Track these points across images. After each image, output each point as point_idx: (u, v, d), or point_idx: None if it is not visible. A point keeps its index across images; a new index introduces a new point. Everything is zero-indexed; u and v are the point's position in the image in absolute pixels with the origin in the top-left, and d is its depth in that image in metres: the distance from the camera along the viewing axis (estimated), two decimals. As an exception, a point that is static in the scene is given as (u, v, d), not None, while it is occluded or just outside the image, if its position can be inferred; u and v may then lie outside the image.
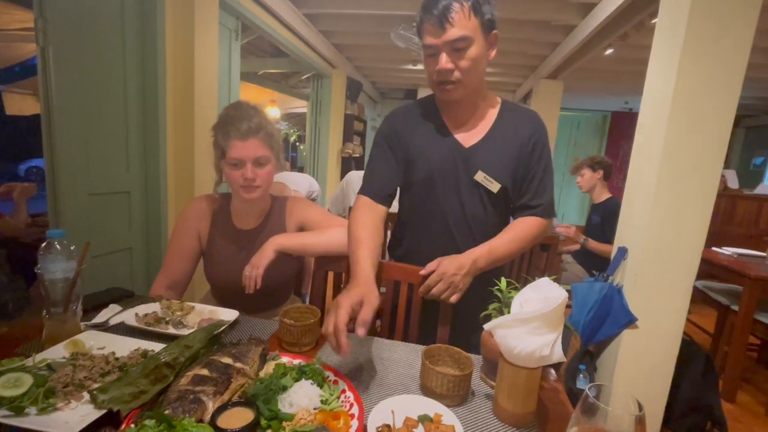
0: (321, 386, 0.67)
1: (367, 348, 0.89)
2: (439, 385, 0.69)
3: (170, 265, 1.18)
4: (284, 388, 0.65)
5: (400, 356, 0.86)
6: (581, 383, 1.56)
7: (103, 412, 0.58)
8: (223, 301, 1.19)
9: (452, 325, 1.06)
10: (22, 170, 10.50)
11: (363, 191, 1.07)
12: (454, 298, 0.94)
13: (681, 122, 1.36)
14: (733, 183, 4.47)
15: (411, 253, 1.12)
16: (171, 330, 0.88)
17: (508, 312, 0.70)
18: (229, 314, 0.96)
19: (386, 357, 0.86)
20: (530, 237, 1.04)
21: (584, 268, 2.64)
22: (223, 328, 0.86)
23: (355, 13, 3.33)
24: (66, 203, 1.68)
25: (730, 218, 4.13)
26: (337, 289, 1.25)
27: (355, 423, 0.60)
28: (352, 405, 0.64)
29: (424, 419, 0.63)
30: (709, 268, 2.33)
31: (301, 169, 5.91)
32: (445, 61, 0.91)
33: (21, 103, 3.68)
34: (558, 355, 0.63)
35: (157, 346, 0.77)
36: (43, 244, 0.78)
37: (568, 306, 0.66)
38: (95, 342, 0.79)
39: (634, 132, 1.57)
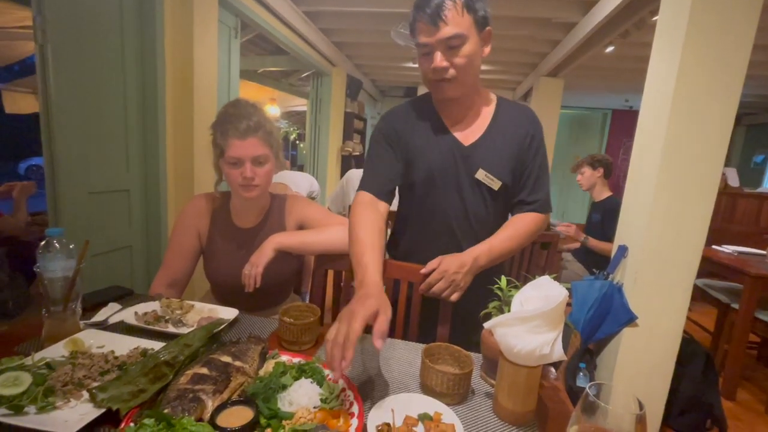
0: (321, 385, 0.67)
1: (367, 347, 0.89)
2: (439, 383, 0.69)
3: (170, 264, 1.18)
4: (284, 387, 0.65)
5: (400, 355, 0.86)
6: (581, 381, 1.56)
7: (103, 410, 0.58)
8: (223, 300, 1.19)
9: (452, 324, 1.06)
10: (22, 169, 10.50)
11: (364, 187, 1.04)
12: (454, 297, 0.94)
13: (682, 120, 1.36)
14: (734, 181, 4.46)
15: (412, 253, 1.11)
16: (170, 328, 0.88)
17: (508, 310, 0.70)
18: (228, 313, 0.96)
19: (386, 355, 0.86)
20: (529, 233, 1.04)
21: (584, 266, 2.64)
22: (222, 326, 0.86)
23: (355, 11, 3.32)
24: (66, 202, 1.68)
25: (731, 216, 4.13)
26: (337, 288, 1.25)
27: (354, 422, 0.60)
28: (351, 404, 0.64)
29: (424, 418, 0.63)
30: (709, 266, 2.33)
31: (301, 168, 5.90)
32: (439, 59, 0.91)
33: (20, 102, 3.68)
34: (558, 353, 0.62)
35: (156, 345, 0.77)
36: (43, 243, 0.78)
37: (568, 304, 0.66)
38: (95, 340, 0.79)
39: (634, 130, 1.57)
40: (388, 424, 0.60)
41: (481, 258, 0.96)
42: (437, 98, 1.05)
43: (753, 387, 2.29)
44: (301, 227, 1.24)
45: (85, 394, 0.62)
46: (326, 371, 0.71)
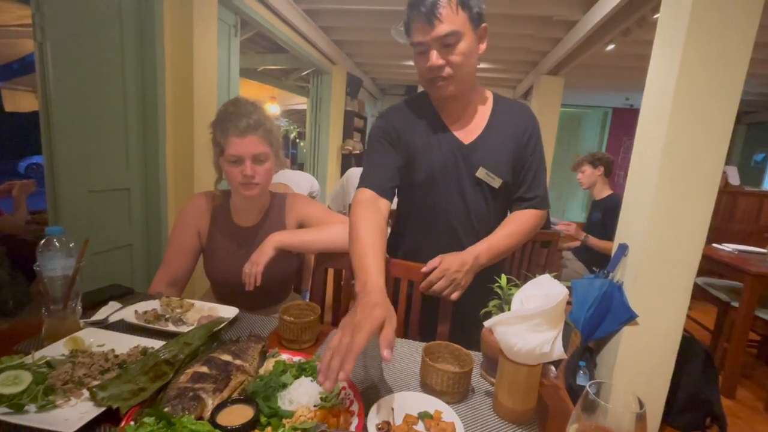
0: (321, 383, 0.67)
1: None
2: (439, 382, 0.69)
3: (170, 262, 1.18)
4: (284, 386, 0.65)
5: (400, 353, 0.86)
6: (581, 380, 1.56)
7: (103, 409, 0.58)
8: (223, 299, 1.19)
9: (452, 322, 1.06)
10: (22, 167, 10.50)
11: (364, 184, 1.01)
12: (455, 296, 0.94)
13: (682, 118, 1.36)
14: (734, 179, 4.45)
15: (414, 254, 1.10)
16: (170, 327, 0.88)
17: (509, 309, 0.70)
18: (228, 311, 0.96)
19: (386, 354, 0.86)
20: (528, 230, 1.05)
21: (585, 264, 2.64)
22: (222, 325, 0.86)
23: (355, 9, 3.31)
24: (66, 200, 1.68)
25: (731, 215, 4.12)
26: (338, 286, 1.25)
27: (355, 420, 0.60)
28: (351, 402, 0.64)
29: (424, 416, 0.63)
30: (709, 265, 2.33)
31: (301, 166, 5.90)
32: (435, 57, 0.90)
33: (20, 100, 3.68)
34: (558, 352, 0.62)
35: (156, 344, 0.77)
36: (42, 242, 0.78)
37: (568, 303, 0.66)
38: (95, 339, 0.79)
39: (635, 128, 1.56)
40: (388, 423, 0.60)
41: (482, 256, 0.96)
42: (435, 97, 1.04)
43: (753, 385, 2.29)
44: (301, 226, 1.24)
45: (86, 393, 0.62)
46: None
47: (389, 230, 1.22)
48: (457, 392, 0.70)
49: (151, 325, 0.87)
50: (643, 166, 1.50)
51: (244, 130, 1.06)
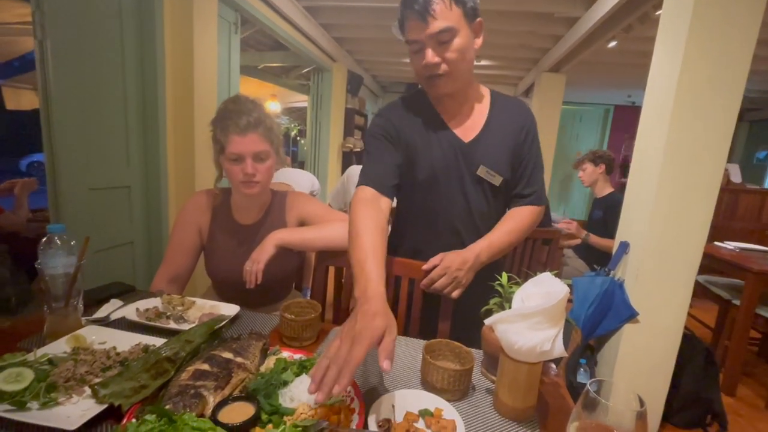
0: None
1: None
2: (440, 379, 0.70)
3: (171, 260, 1.18)
4: (285, 383, 0.65)
5: (401, 351, 0.86)
6: (582, 377, 1.56)
7: (105, 406, 0.58)
8: (224, 296, 1.20)
9: (453, 320, 1.06)
10: (23, 165, 10.51)
11: (364, 181, 0.98)
12: (455, 294, 0.94)
13: (684, 116, 1.35)
14: (736, 177, 4.44)
15: (415, 252, 1.10)
16: (172, 325, 0.88)
17: (509, 307, 0.70)
18: (229, 309, 0.96)
19: (387, 352, 0.86)
20: (526, 226, 1.05)
21: (586, 262, 2.64)
22: (223, 323, 0.86)
23: (356, 6, 3.30)
24: (66, 198, 1.68)
25: (733, 212, 4.11)
26: (338, 284, 1.25)
27: (355, 417, 0.60)
28: (352, 399, 0.64)
29: (424, 414, 0.64)
30: (710, 263, 2.32)
31: (301, 164, 5.89)
32: (431, 55, 0.90)
33: (21, 98, 3.68)
34: (559, 350, 0.62)
35: (158, 341, 0.77)
36: (44, 239, 0.78)
37: (569, 300, 0.66)
38: (96, 337, 0.79)
39: (636, 126, 1.56)
40: (388, 420, 0.60)
41: (483, 254, 0.96)
42: (432, 94, 1.03)
43: (753, 383, 2.29)
44: (302, 223, 1.24)
45: (87, 390, 0.62)
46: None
47: (389, 229, 1.21)
48: (458, 390, 0.70)
49: (152, 323, 0.88)
50: (644, 163, 1.49)
51: (245, 128, 1.06)
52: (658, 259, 1.43)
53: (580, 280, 1.64)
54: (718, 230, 3.58)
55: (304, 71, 5.32)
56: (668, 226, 1.41)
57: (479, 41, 0.96)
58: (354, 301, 0.74)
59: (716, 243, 2.53)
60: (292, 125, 8.70)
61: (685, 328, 1.54)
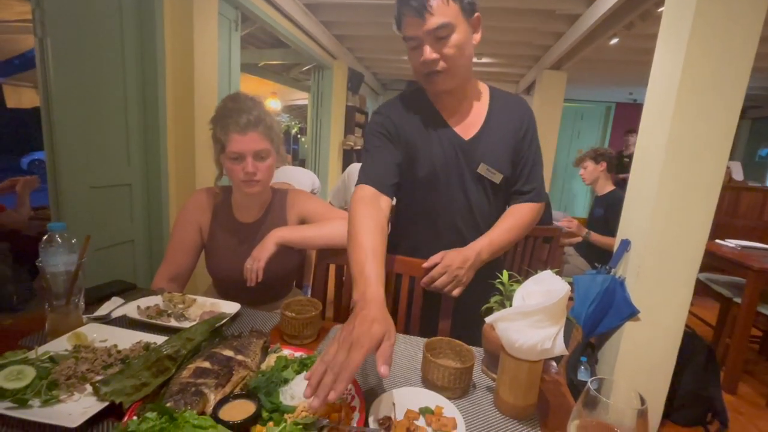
0: (322, 379, 0.67)
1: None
2: (441, 377, 0.70)
3: (172, 258, 1.18)
4: (286, 381, 0.65)
5: (402, 349, 0.86)
6: (582, 375, 1.56)
7: (106, 404, 0.58)
8: (225, 294, 1.20)
9: (454, 318, 1.06)
10: (24, 163, 10.52)
11: (364, 180, 0.97)
12: (456, 292, 0.94)
13: (687, 113, 1.34)
14: (738, 175, 4.42)
15: (416, 251, 1.09)
16: (173, 323, 0.88)
17: (510, 305, 0.70)
18: (230, 307, 0.96)
19: (388, 349, 0.86)
20: (526, 223, 1.05)
21: (586, 260, 2.64)
22: (224, 320, 0.87)
23: (356, 3, 3.29)
24: (67, 196, 1.68)
25: (734, 210, 4.10)
26: (339, 282, 1.25)
27: (356, 415, 0.60)
28: (353, 397, 0.64)
29: (425, 411, 0.64)
30: (712, 261, 2.32)
31: (302, 162, 5.89)
32: (428, 52, 0.89)
33: (22, 96, 3.68)
34: (560, 348, 0.62)
35: (159, 339, 0.77)
36: (45, 237, 0.78)
37: (569, 298, 0.65)
38: (97, 334, 0.79)
39: (638, 124, 1.55)
40: (389, 418, 0.60)
41: (484, 252, 0.96)
42: (430, 91, 1.03)
43: (754, 381, 2.29)
44: (302, 221, 1.24)
45: (89, 388, 0.62)
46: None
47: (389, 227, 1.21)
48: (458, 388, 0.70)
49: (153, 321, 0.88)
50: (646, 161, 1.49)
51: (245, 127, 1.06)
52: (659, 257, 1.43)
53: (580, 278, 1.64)
54: (720, 228, 3.57)
55: (304, 69, 5.31)
56: (669, 223, 1.41)
57: (478, 36, 0.95)
58: (354, 300, 0.74)
59: (717, 241, 2.52)
60: (293, 123, 8.70)
61: (686, 326, 1.53)
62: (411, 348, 0.87)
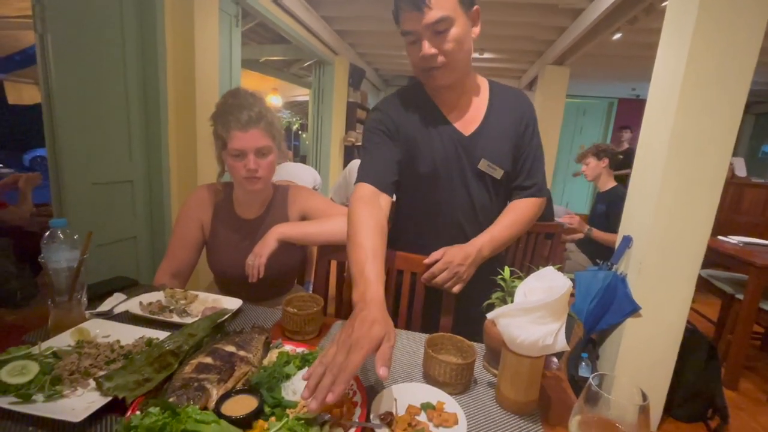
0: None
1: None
2: (442, 373, 0.70)
3: (173, 254, 1.19)
4: (287, 376, 0.65)
5: (403, 345, 0.87)
6: (583, 371, 1.57)
7: (109, 399, 0.59)
8: (227, 290, 1.20)
9: (455, 314, 1.06)
10: (26, 160, 10.54)
11: (363, 178, 0.96)
12: (456, 288, 0.94)
13: (690, 109, 1.34)
14: (741, 171, 4.40)
15: (417, 247, 1.08)
16: (175, 318, 0.89)
17: (511, 301, 0.70)
18: (232, 303, 0.96)
19: (389, 345, 0.86)
20: (528, 218, 1.04)
21: (588, 256, 2.64)
22: (226, 316, 0.87)
23: (358, -2, 3.27)
24: (69, 193, 1.68)
25: (737, 207, 4.08)
26: (340, 278, 1.25)
27: (358, 410, 0.60)
28: (355, 393, 0.64)
29: (426, 407, 0.64)
30: (714, 257, 2.31)
31: (303, 159, 5.89)
32: (427, 47, 0.87)
33: (23, 93, 3.68)
34: (561, 344, 0.62)
35: (161, 335, 0.77)
36: (47, 234, 0.78)
37: (571, 294, 0.65)
38: (100, 330, 0.80)
39: (641, 119, 1.54)
40: (390, 413, 0.61)
41: (485, 248, 0.95)
42: (429, 86, 1.02)
43: (755, 377, 2.29)
44: (303, 218, 1.24)
45: (92, 383, 0.63)
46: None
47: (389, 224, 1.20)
48: (460, 383, 0.70)
49: (155, 317, 0.88)
50: (648, 157, 1.48)
51: (246, 124, 1.05)
52: (661, 253, 1.43)
53: (582, 274, 1.64)
54: (723, 224, 3.56)
55: (305, 65, 5.29)
56: (672, 220, 1.40)
57: (477, 30, 0.93)
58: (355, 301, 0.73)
59: (720, 237, 2.51)
60: (294, 119, 8.68)
61: (688, 322, 1.53)
62: (412, 344, 0.87)
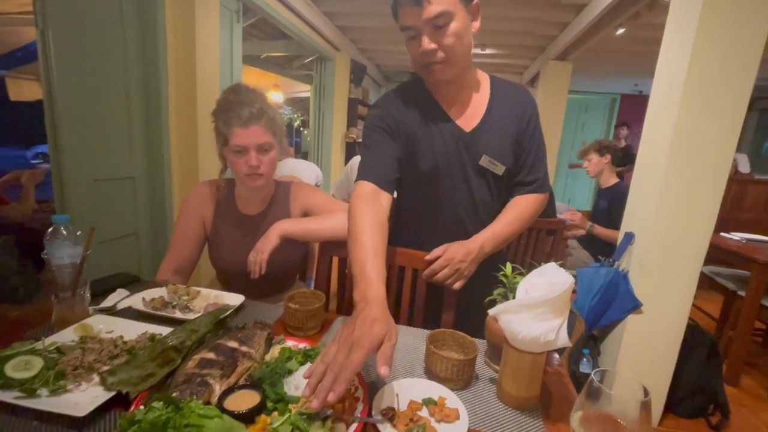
0: (326, 370, 0.67)
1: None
2: (444, 369, 0.70)
3: (175, 250, 1.19)
4: (290, 372, 0.66)
5: (405, 341, 0.87)
6: (585, 367, 1.57)
7: (113, 393, 0.59)
8: (229, 287, 1.20)
9: (457, 310, 1.06)
10: (29, 156, 10.56)
11: (364, 176, 0.95)
12: (457, 285, 0.94)
13: (693, 105, 1.33)
14: (744, 167, 4.37)
15: (418, 244, 1.08)
16: (177, 314, 0.89)
17: (513, 297, 0.70)
18: (234, 299, 0.97)
19: (391, 341, 0.86)
20: (530, 214, 1.03)
21: (590, 253, 2.63)
22: (228, 312, 0.87)
23: (359, -6, 3.25)
24: (71, 189, 1.69)
25: (740, 203, 4.06)
26: (342, 274, 1.26)
27: (360, 406, 0.60)
28: (357, 388, 0.65)
29: (428, 402, 0.64)
30: (716, 254, 2.30)
31: (305, 155, 5.88)
32: (427, 42, 0.87)
33: (24, 89, 3.67)
34: (563, 340, 0.62)
35: (164, 330, 0.78)
36: (50, 230, 0.78)
37: (573, 291, 0.65)
38: (103, 326, 0.80)
39: (643, 115, 1.53)
40: (392, 409, 0.61)
41: (487, 245, 0.95)
42: (429, 81, 1.01)
43: (757, 373, 2.30)
44: (305, 214, 1.24)
45: (96, 378, 0.63)
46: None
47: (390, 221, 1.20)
48: (462, 379, 0.71)
49: (158, 312, 0.88)
50: (651, 153, 1.47)
51: (247, 120, 1.05)
52: (664, 250, 1.42)
53: (584, 270, 1.64)
54: (725, 221, 3.54)
55: (306, 61, 5.27)
56: (674, 216, 1.40)
57: (477, 24, 0.92)
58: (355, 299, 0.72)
59: (722, 234, 2.50)
60: (295, 116, 8.67)
61: (689, 318, 1.53)
62: (414, 339, 0.88)
